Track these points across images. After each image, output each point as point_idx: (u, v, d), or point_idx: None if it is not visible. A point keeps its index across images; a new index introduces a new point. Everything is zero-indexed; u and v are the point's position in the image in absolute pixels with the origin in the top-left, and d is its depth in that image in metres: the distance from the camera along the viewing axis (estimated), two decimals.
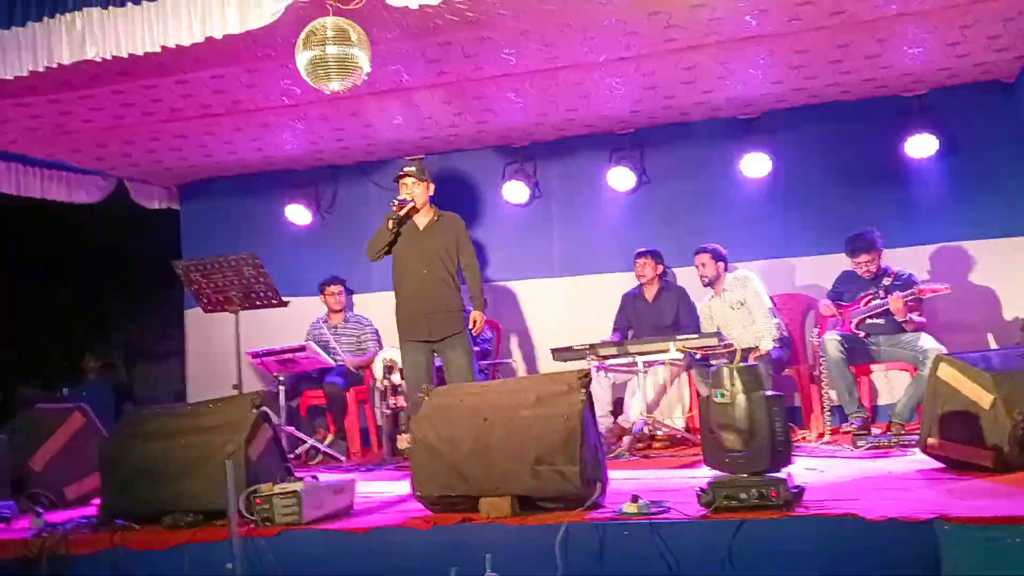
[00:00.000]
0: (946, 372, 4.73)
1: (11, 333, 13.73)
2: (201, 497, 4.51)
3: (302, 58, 4.87)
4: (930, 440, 4.77)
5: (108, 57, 5.11)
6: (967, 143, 7.46)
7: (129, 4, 4.99)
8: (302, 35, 4.84)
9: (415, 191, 6.06)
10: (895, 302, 6.31)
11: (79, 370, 12.20)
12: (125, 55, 5.08)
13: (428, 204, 6.17)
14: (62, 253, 12.95)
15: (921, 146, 7.36)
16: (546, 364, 7.52)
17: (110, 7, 5.03)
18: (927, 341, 6.29)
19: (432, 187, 6.18)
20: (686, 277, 7.51)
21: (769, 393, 3.95)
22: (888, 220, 7.19)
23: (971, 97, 7.38)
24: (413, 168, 6.09)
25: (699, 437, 6.32)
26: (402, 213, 6.03)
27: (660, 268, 7.34)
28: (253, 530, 4.23)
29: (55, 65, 5.22)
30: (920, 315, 6.46)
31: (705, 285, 7.16)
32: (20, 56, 5.25)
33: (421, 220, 6.16)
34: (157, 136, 7.63)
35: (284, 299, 6.39)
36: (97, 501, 4.94)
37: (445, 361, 6.09)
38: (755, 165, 7.71)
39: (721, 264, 7.08)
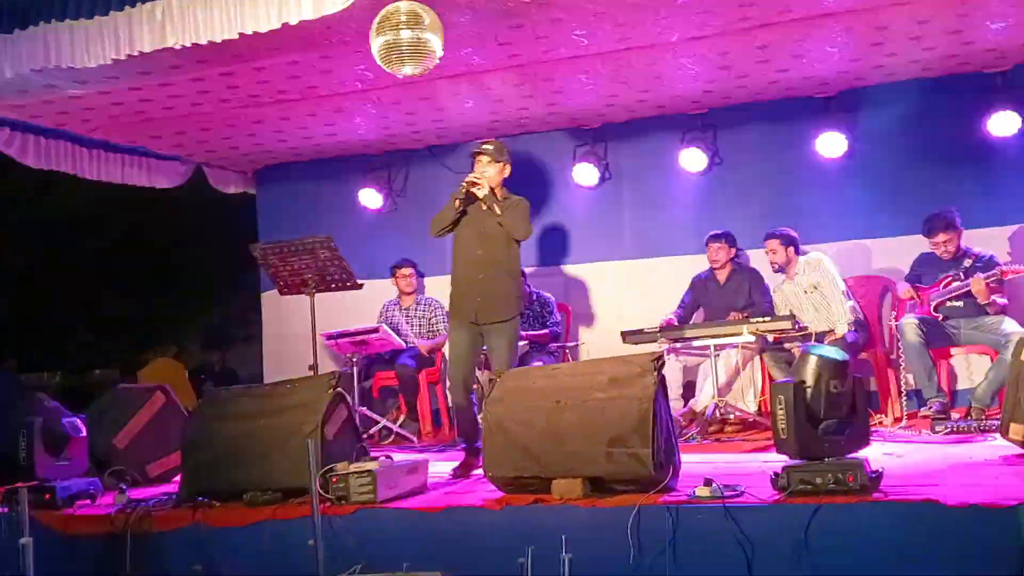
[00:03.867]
0: None
1: (91, 318, 14.15)
2: (279, 476, 4.62)
3: (376, 43, 4.91)
4: (1012, 425, 4.67)
5: (187, 45, 5.22)
6: None
7: None
8: (376, 20, 4.87)
9: (489, 171, 5.78)
10: (977, 284, 6.16)
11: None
12: (204, 42, 5.18)
13: (501, 186, 5.90)
14: (141, 238, 13.29)
15: (1004, 124, 7.13)
16: (617, 347, 7.50)
17: None
18: (1009, 324, 6.14)
19: (508, 169, 5.89)
20: (760, 259, 7.41)
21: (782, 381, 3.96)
22: (968, 200, 7.00)
23: None
24: (491, 147, 5.84)
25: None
26: (474, 192, 5.75)
27: (733, 251, 7.26)
28: (329, 508, 4.32)
29: (136, 53, 5.35)
30: (1003, 296, 6.31)
31: (776, 271, 7.07)
32: (103, 45, 5.38)
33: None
34: (233, 122, 7.76)
35: (358, 282, 6.47)
36: (178, 478, 5.08)
37: (488, 346, 5.77)
38: (831, 145, 7.56)
39: (792, 248, 6.97)
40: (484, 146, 5.84)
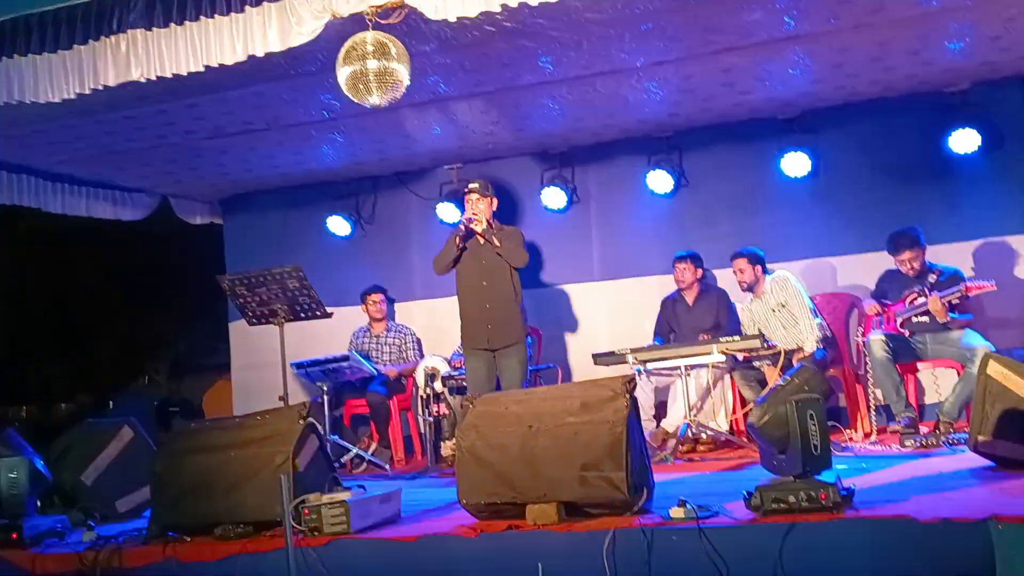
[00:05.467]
0: (995, 370, 4.68)
1: (57, 350, 13.98)
2: (251, 508, 4.57)
3: (343, 73, 4.92)
4: (980, 438, 4.72)
5: (153, 78, 5.21)
6: (1011, 137, 7.35)
7: (172, 25, 5.08)
8: (342, 51, 4.88)
9: (480, 207, 6.29)
10: (934, 303, 6.25)
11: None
12: (169, 75, 5.17)
13: (492, 218, 6.39)
14: (108, 271, 13.16)
15: (964, 141, 7.26)
16: (588, 369, 7.53)
17: (154, 28, 5.11)
18: (974, 338, 6.22)
19: (495, 202, 6.43)
20: (727, 278, 7.47)
21: (803, 396, 3.94)
22: (931, 217, 7.12)
23: (1014, 91, 7.29)
24: (477, 185, 6.35)
25: (743, 439, 6.37)
26: (474, 228, 6.24)
27: (700, 272, 7.31)
28: (302, 540, 4.27)
29: (101, 87, 5.32)
30: (964, 312, 6.39)
31: (744, 290, 7.12)
32: (67, 79, 5.35)
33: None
34: (200, 153, 7.74)
35: (328, 310, 6.45)
36: (148, 514, 5.02)
37: (500, 367, 6.34)
38: (795, 165, 7.65)
39: (759, 267, 7.04)
40: (471, 185, 6.35)
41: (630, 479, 4.06)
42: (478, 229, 6.25)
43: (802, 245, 7.78)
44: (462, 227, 6.30)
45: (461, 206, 8.25)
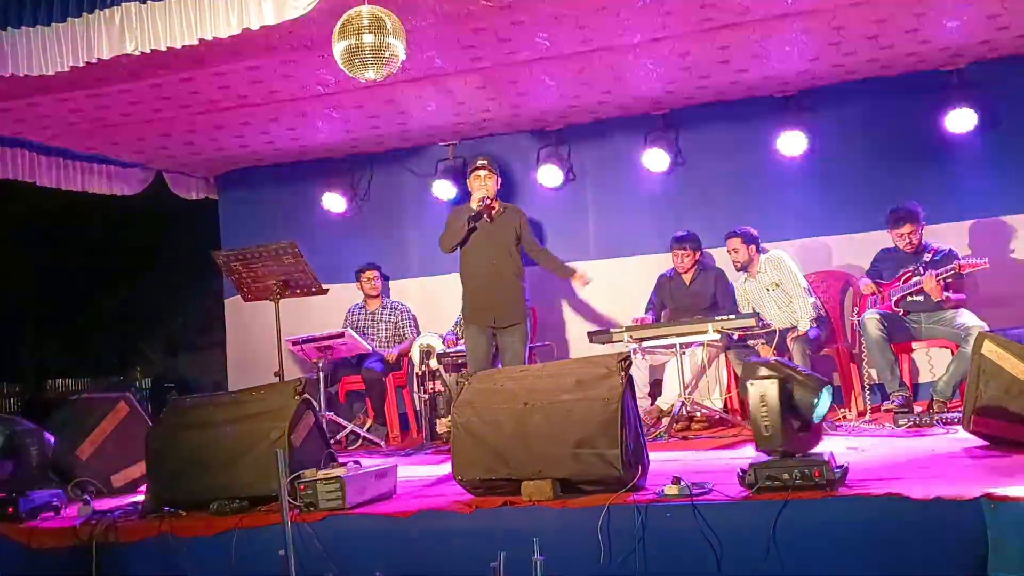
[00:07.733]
0: (990, 349, 4.69)
1: (53, 327, 13.98)
2: (246, 484, 4.59)
3: (338, 48, 4.88)
4: (974, 417, 4.74)
5: (147, 51, 5.17)
6: (1007, 117, 7.33)
7: None
8: (338, 25, 4.84)
9: (488, 184, 6.35)
10: (928, 281, 6.25)
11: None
12: (163, 49, 5.13)
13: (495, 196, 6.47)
14: (103, 247, 13.14)
15: (960, 120, 7.24)
16: (583, 347, 7.51)
17: (148, 1, 5.08)
18: (968, 318, 6.23)
19: (500, 180, 6.52)
20: (722, 257, 7.47)
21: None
22: (927, 195, 7.09)
23: (1011, 70, 7.26)
24: (486, 161, 6.41)
25: (738, 418, 6.39)
26: (489, 213, 6.30)
27: (698, 254, 7.29)
28: (298, 516, 4.29)
29: (95, 60, 5.29)
30: (958, 291, 6.41)
31: (738, 270, 7.13)
32: (61, 52, 5.31)
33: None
34: (194, 128, 7.69)
35: (323, 286, 6.44)
36: (144, 488, 5.03)
37: (502, 345, 6.40)
38: (791, 143, 7.63)
39: (753, 247, 7.04)
40: (480, 161, 6.40)
41: (624, 456, 4.08)
42: (495, 213, 6.30)
43: (797, 224, 7.78)
44: (475, 205, 6.28)
45: (456, 183, 8.27)
